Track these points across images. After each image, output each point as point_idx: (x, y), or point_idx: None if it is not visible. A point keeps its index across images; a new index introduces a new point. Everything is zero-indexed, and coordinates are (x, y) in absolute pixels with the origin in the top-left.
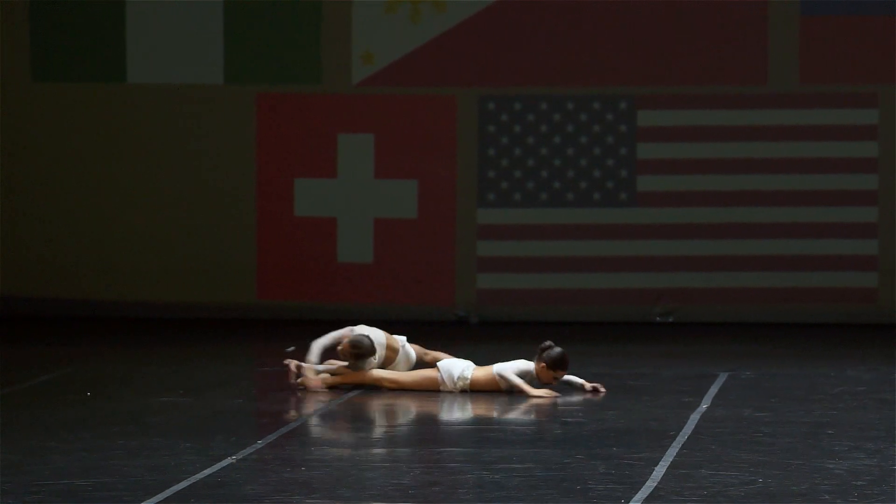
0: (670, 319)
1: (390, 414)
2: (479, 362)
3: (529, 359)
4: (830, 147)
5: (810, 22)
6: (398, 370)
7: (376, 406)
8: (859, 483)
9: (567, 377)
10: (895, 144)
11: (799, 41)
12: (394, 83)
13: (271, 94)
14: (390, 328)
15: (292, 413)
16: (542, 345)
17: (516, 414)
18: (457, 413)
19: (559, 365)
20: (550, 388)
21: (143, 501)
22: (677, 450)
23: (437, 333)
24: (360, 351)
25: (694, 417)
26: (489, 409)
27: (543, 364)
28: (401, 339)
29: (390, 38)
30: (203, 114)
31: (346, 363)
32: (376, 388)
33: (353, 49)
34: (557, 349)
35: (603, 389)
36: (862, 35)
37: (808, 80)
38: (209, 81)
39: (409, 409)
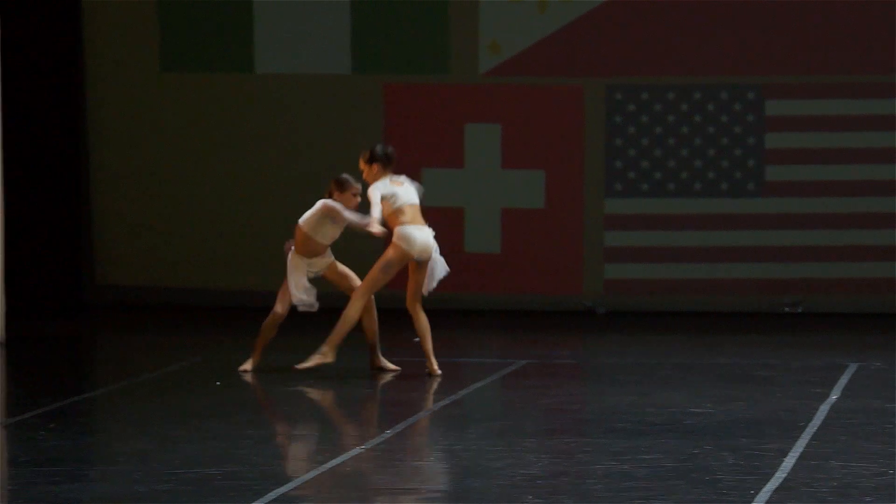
0: (799, 310)
1: (517, 404)
2: (605, 353)
3: None
4: None
5: None
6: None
7: (503, 397)
8: None
9: None
10: None
11: None
12: (521, 73)
13: (399, 84)
14: (517, 318)
15: (421, 403)
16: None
17: (644, 405)
18: (584, 404)
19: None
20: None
21: (271, 490)
22: (807, 441)
23: (564, 323)
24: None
25: (823, 408)
26: (617, 400)
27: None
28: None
29: (517, 27)
30: (330, 104)
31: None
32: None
33: (480, 39)
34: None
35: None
36: None
37: None
38: (336, 71)
39: (535, 399)
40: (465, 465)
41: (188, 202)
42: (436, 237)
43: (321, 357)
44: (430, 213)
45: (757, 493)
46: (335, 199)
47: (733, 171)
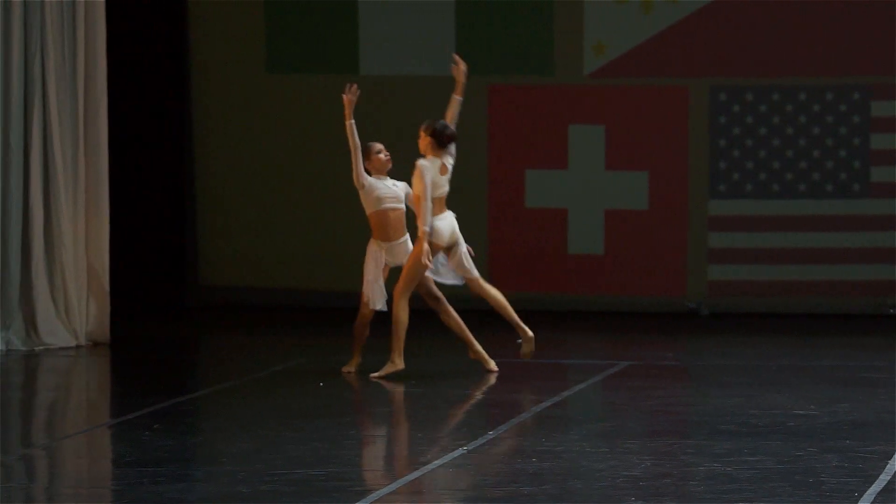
0: None
1: (619, 405)
2: (712, 355)
3: None
4: None
5: None
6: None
7: (605, 398)
8: None
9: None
10: None
11: None
12: (625, 74)
13: (503, 86)
14: (620, 320)
15: (523, 404)
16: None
17: (747, 406)
18: (687, 405)
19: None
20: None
21: (374, 491)
22: None
23: (667, 325)
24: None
25: None
26: (721, 402)
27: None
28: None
29: (622, 28)
30: (435, 105)
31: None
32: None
33: (584, 40)
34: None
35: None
36: None
37: None
38: (441, 73)
39: (638, 401)
40: (567, 466)
41: (291, 204)
42: (539, 238)
43: (391, 366)
44: (533, 214)
45: (861, 496)
46: (366, 168)
47: (838, 172)
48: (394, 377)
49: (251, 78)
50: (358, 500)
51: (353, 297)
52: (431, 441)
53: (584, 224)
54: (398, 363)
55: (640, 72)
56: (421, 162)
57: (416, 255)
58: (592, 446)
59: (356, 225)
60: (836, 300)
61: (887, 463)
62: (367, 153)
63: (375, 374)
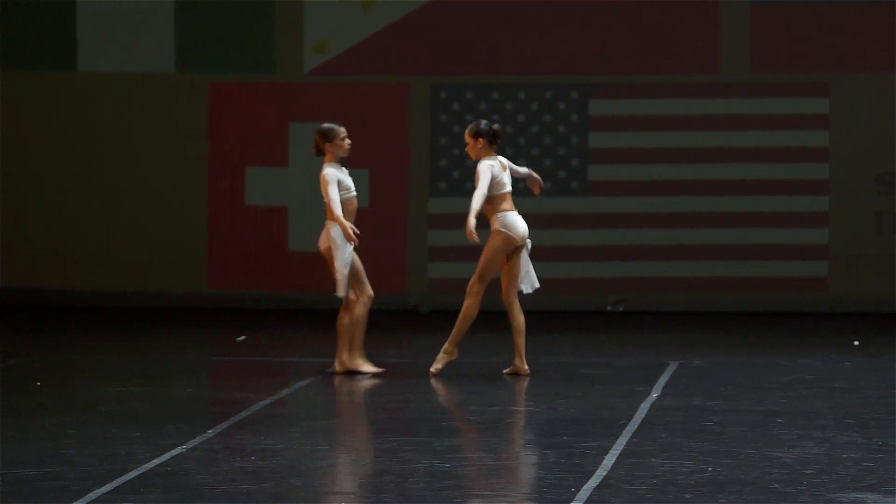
0: (622, 308)
1: (341, 403)
2: (428, 353)
3: None
4: (782, 136)
5: (761, 10)
6: None
7: (328, 395)
8: (808, 472)
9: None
10: (846, 134)
11: (750, 30)
12: (346, 72)
13: (224, 83)
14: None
15: (243, 402)
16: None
17: (468, 403)
18: (409, 402)
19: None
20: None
21: (93, 490)
22: (627, 438)
23: (388, 322)
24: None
25: (644, 406)
26: (442, 398)
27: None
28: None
29: (342, 27)
30: (155, 102)
31: None
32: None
33: (305, 38)
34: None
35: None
36: (812, 23)
37: (760, 69)
38: (160, 70)
39: (363, 397)
40: (287, 464)
41: (20, 202)
42: (259, 235)
43: (447, 356)
44: (253, 212)
45: (577, 491)
46: (326, 150)
47: (557, 170)
48: (125, 375)
49: None
50: (76, 500)
51: (92, 295)
52: (151, 440)
53: (305, 221)
54: (453, 354)
55: (360, 70)
56: (484, 162)
57: (490, 250)
58: (313, 444)
59: (93, 222)
60: (556, 297)
61: (603, 458)
62: (331, 137)
63: (434, 367)
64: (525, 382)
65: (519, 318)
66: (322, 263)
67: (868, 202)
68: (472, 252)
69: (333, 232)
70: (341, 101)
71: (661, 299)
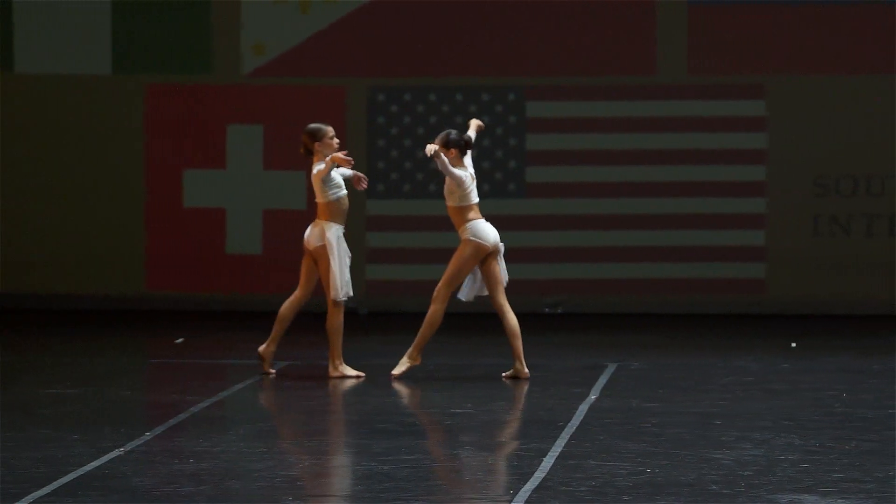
0: (559, 310)
1: (278, 405)
2: (372, 355)
3: None
4: (719, 138)
5: (698, 12)
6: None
7: (266, 398)
8: (746, 473)
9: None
10: (783, 136)
11: (687, 32)
12: (284, 73)
13: (160, 85)
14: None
15: (181, 405)
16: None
17: (407, 405)
18: (346, 405)
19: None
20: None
21: (30, 493)
22: (566, 440)
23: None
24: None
25: (583, 408)
26: (380, 401)
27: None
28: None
29: (280, 28)
30: (91, 104)
31: None
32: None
33: (242, 40)
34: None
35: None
36: (749, 25)
37: (697, 72)
38: (97, 72)
39: (299, 401)
40: (225, 466)
41: None
42: (197, 238)
43: (410, 361)
44: (191, 214)
45: (516, 493)
46: (315, 150)
47: (495, 172)
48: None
49: None
50: (13, 503)
51: (30, 297)
52: (88, 443)
53: (243, 224)
54: (416, 359)
55: (298, 72)
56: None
57: (460, 258)
58: (250, 446)
59: (30, 223)
60: None
61: (542, 460)
62: (320, 136)
63: (396, 371)
64: (461, 385)
65: (512, 321)
66: (259, 265)
67: (805, 204)
68: (411, 254)
69: (329, 234)
70: (279, 103)
71: (599, 301)
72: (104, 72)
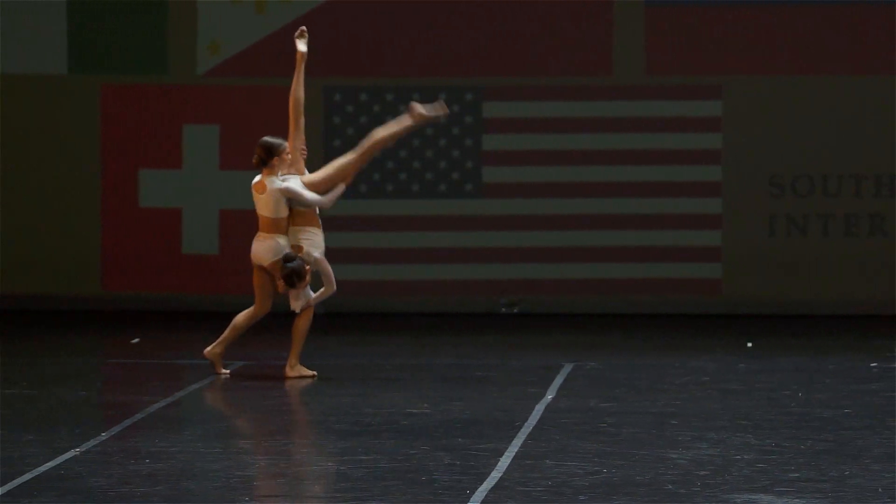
0: (516, 310)
1: (234, 406)
2: (328, 355)
3: None
4: (675, 138)
5: (655, 13)
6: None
7: (223, 398)
8: (702, 473)
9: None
10: (739, 136)
11: (644, 32)
12: (240, 73)
13: (116, 85)
14: (230, 320)
15: (137, 405)
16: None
17: (362, 406)
18: (302, 405)
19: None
20: None
21: None
22: (522, 440)
23: (282, 325)
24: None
25: (539, 408)
26: (336, 401)
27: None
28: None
29: (236, 28)
30: (46, 104)
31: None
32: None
33: (198, 39)
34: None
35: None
36: (707, 26)
37: (654, 72)
38: (52, 71)
39: (254, 401)
40: (181, 467)
41: None
42: (152, 238)
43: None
44: (147, 214)
45: (472, 493)
46: (274, 164)
47: (451, 172)
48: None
49: None
50: None
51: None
52: (43, 444)
53: (199, 224)
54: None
55: (254, 72)
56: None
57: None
58: (206, 447)
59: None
60: (450, 299)
61: (498, 460)
62: (279, 151)
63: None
64: (418, 385)
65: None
66: (215, 265)
67: (761, 204)
68: (368, 254)
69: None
70: (235, 103)
71: (555, 301)
72: (60, 71)
